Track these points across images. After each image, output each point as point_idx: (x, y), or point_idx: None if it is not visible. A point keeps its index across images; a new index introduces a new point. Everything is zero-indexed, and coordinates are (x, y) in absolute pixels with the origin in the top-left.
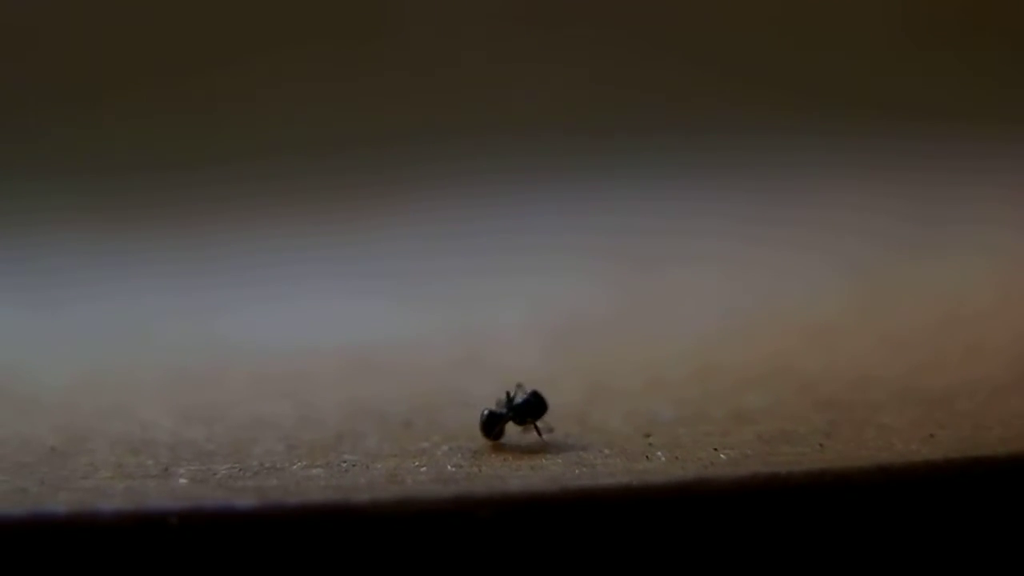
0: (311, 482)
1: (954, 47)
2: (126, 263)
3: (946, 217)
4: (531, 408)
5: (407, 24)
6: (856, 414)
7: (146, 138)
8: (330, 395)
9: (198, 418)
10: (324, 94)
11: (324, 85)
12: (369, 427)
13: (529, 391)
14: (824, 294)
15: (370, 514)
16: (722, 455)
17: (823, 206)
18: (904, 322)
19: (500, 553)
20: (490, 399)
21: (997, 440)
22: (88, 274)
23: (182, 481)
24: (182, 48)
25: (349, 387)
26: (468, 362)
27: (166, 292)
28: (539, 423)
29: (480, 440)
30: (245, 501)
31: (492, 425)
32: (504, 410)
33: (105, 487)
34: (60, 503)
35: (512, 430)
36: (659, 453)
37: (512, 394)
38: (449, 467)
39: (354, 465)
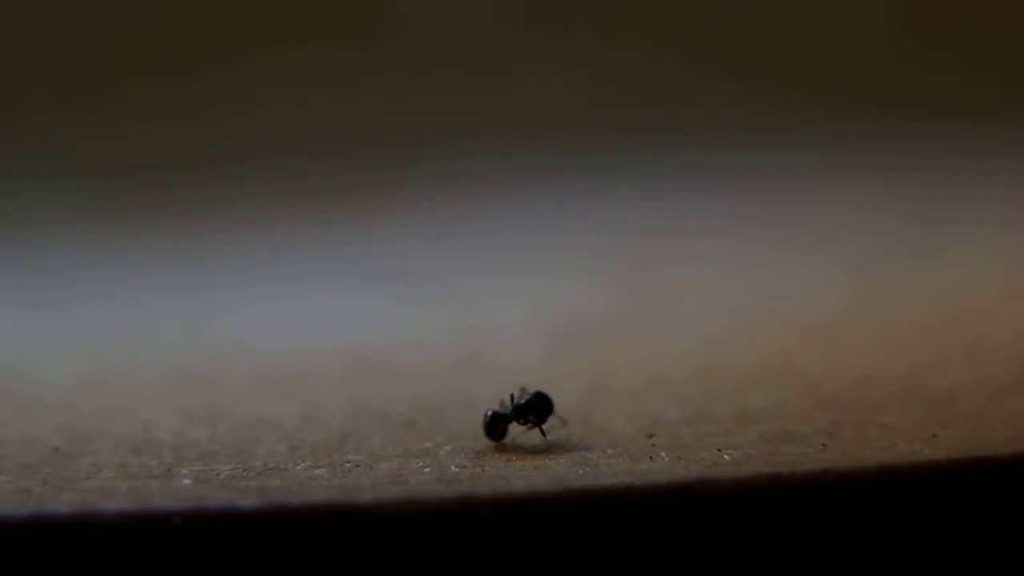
0: (314, 482)
1: (954, 47)
2: (127, 263)
3: (947, 217)
4: (534, 407)
5: (407, 24)
6: (859, 414)
7: (147, 138)
8: (332, 395)
9: (201, 418)
10: (324, 94)
11: (324, 85)
12: (372, 427)
13: (533, 391)
14: (825, 294)
15: (373, 514)
16: (725, 455)
17: (824, 206)
18: (905, 322)
19: (503, 553)
20: (492, 399)
21: (1000, 440)
22: (89, 274)
23: (185, 481)
24: (182, 48)
25: (351, 387)
26: (469, 362)
27: (168, 292)
28: (553, 418)
29: (483, 440)
30: (248, 501)
31: (495, 425)
32: (506, 410)
33: (108, 487)
34: (63, 503)
35: (516, 431)
36: (662, 453)
37: (516, 397)
38: (452, 467)
39: (357, 465)
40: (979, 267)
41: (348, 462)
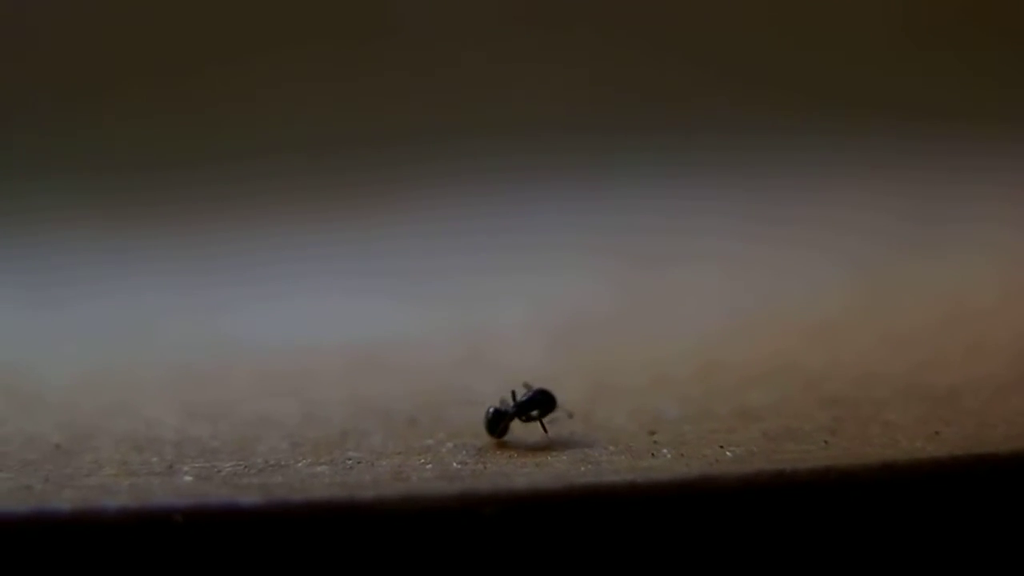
0: (316, 479)
1: (954, 47)
2: (129, 261)
3: (947, 215)
4: (536, 404)
5: (407, 23)
6: (861, 411)
7: (148, 137)
8: (334, 393)
9: (202, 415)
10: (326, 93)
11: (326, 84)
12: (373, 425)
13: (535, 388)
14: (827, 292)
15: (375, 511)
16: (727, 452)
17: (825, 204)
18: (907, 320)
19: (505, 550)
20: (493, 397)
21: (1002, 437)
22: (91, 272)
23: (186, 478)
24: (183, 47)
25: (353, 385)
26: (471, 360)
27: (169, 290)
28: (558, 411)
29: (485, 437)
30: (249, 498)
31: (497, 422)
32: (507, 407)
33: (109, 484)
34: (64, 500)
35: (519, 429)
36: (664, 450)
37: (519, 395)
38: (454, 464)
39: (359, 462)
40: (980, 265)
41: (349, 459)
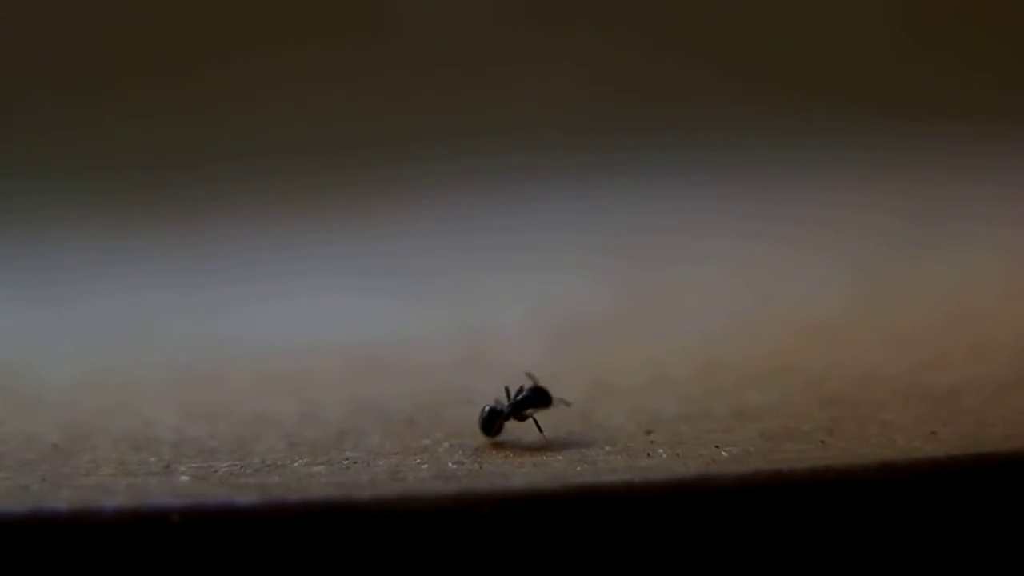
0: (313, 479)
1: (955, 46)
2: (128, 261)
3: (948, 215)
4: (531, 402)
5: (407, 23)
6: (859, 411)
7: (148, 136)
8: (332, 393)
9: (200, 415)
10: (326, 92)
11: (326, 83)
12: (371, 425)
13: (529, 387)
14: (827, 292)
15: (372, 511)
16: (724, 452)
17: (825, 204)
18: (907, 320)
19: (502, 550)
20: (492, 397)
21: (1000, 437)
22: (90, 271)
23: (184, 478)
24: (183, 46)
25: (351, 385)
26: (470, 360)
27: (169, 290)
28: (556, 403)
29: (482, 437)
30: (247, 498)
31: (492, 422)
32: (502, 407)
33: (107, 484)
34: (62, 500)
35: (516, 428)
36: (661, 450)
37: (516, 390)
38: (451, 464)
39: (356, 462)
40: (980, 265)
41: (347, 459)
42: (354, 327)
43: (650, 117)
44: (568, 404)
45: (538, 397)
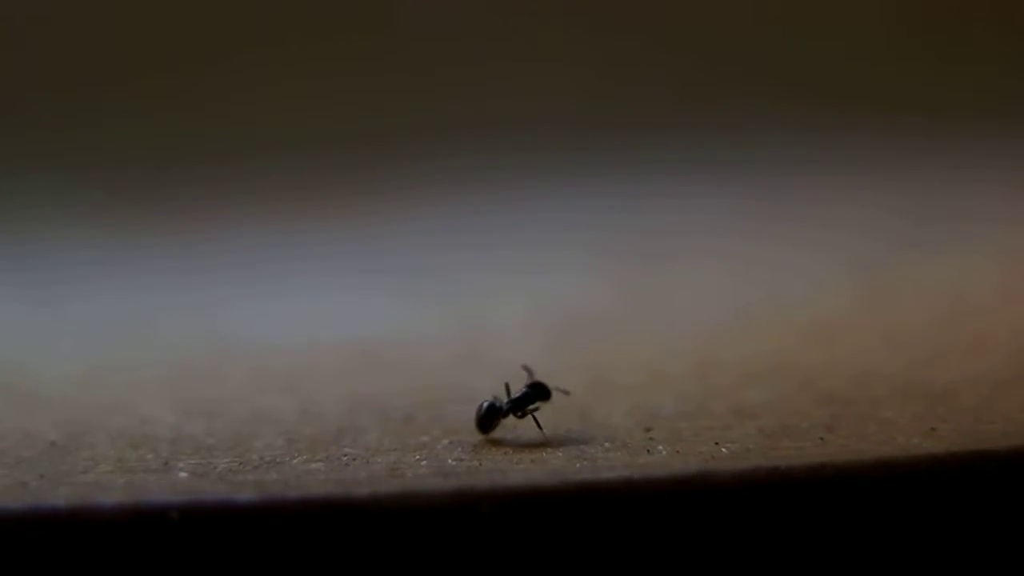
0: (311, 476)
1: (955, 43)
2: (127, 258)
3: (947, 213)
4: (530, 399)
5: (407, 19)
6: (858, 409)
7: (146, 134)
8: (330, 390)
9: (198, 412)
10: (325, 90)
11: (325, 81)
12: (370, 422)
13: (527, 383)
14: (826, 289)
15: (370, 508)
16: (723, 449)
17: (825, 202)
18: (906, 317)
19: (501, 547)
20: (490, 395)
21: (999, 434)
22: (88, 269)
23: (182, 475)
24: (183, 44)
25: (350, 382)
26: (469, 357)
27: (167, 287)
28: (555, 391)
29: (479, 434)
30: (245, 495)
31: (490, 419)
32: (500, 404)
33: (105, 481)
34: (60, 497)
35: (516, 424)
36: (660, 447)
37: (520, 381)
38: (450, 461)
39: (354, 459)
40: (980, 263)
41: (345, 456)
42: (353, 324)
43: (650, 115)
44: (567, 393)
45: (536, 392)
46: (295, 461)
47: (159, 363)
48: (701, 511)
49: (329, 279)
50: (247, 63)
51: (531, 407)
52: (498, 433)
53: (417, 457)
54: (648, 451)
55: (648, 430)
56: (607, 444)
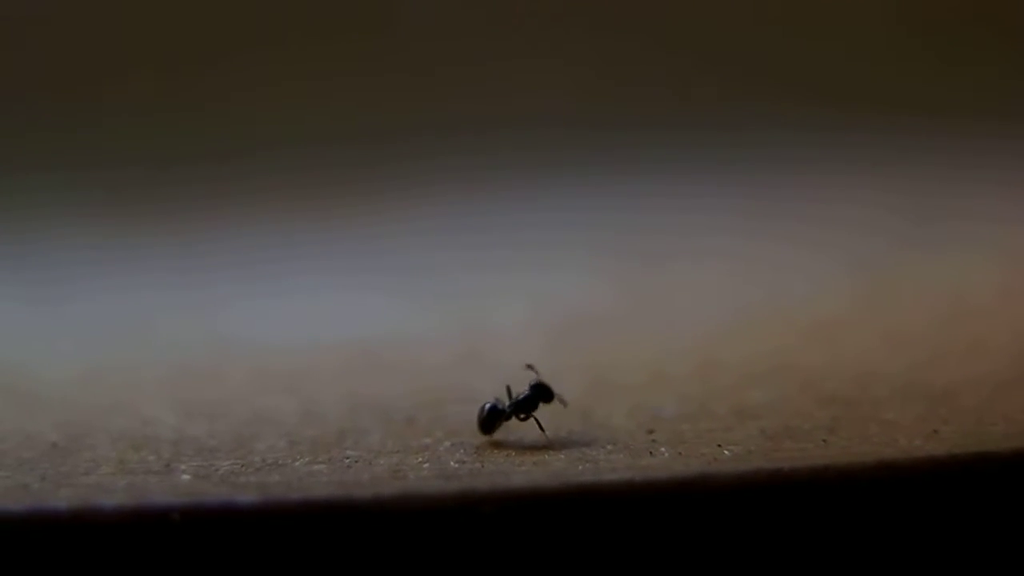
0: (313, 478)
1: (955, 43)
2: (127, 258)
3: (947, 213)
4: (533, 400)
5: (407, 19)
6: (859, 410)
7: (147, 134)
8: (331, 391)
9: (200, 414)
10: (325, 89)
11: (325, 80)
12: (371, 423)
13: (529, 385)
14: (827, 290)
15: (373, 510)
16: (725, 451)
17: (826, 202)
18: (907, 318)
19: (504, 549)
20: (491, 396)
21: (1001, 436)
22: (88, 270)
23: (184, 477)
24: (183, 43)
25: (350, 383)
26: (470, 358)
27: (168, 288)
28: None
29: (482, 436)
30: (247, 497)
31: (492, 421)
32: (502, 406)
33: (106, 483)
34: (61, 499)
35: (517, 427)
36: (662, 449)
37: (524, 381)
38: (452, 463)
39: (356, 461)
40: (980, 263)
41: (347, 458)
42: (353, 325)
43: (650, 114)
44: (565, 404)
45: (539, 394)
46: (297, 463)
47: (160, 364)
48: (703, 513)
49: (329, 279)
50: (247, 63)
51: (530, 407)
52: (500, 435)
53: (419, 459)
54: (650, 453)
55: (650, 432)
56: (609, 446)
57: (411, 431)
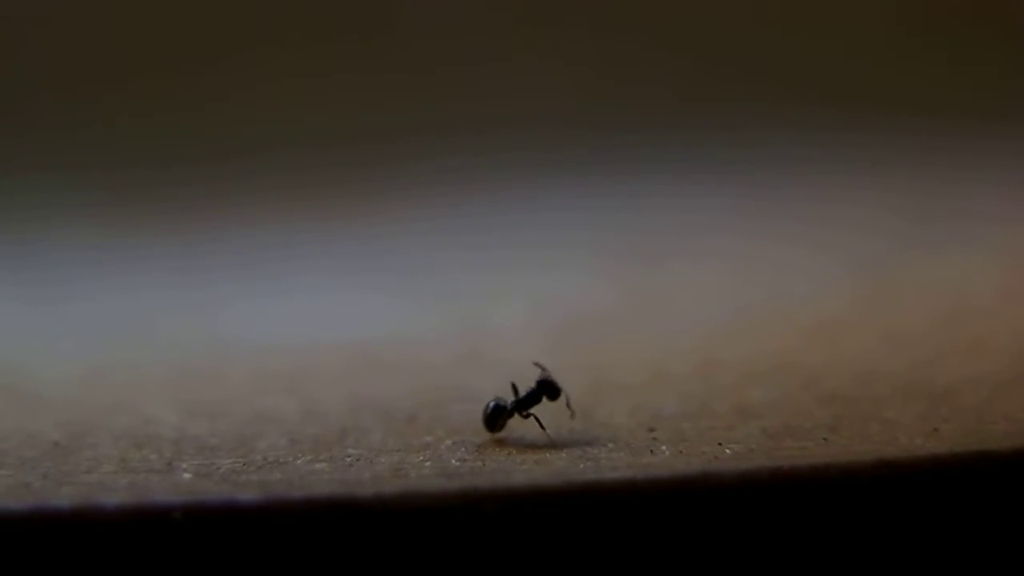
0: (315, 476)
1: (956, 43)
2: (129, 258)
3: (948, 213)
4: (538, 397)
5: (408, 19)
6: (860, 409)
7: (148, 133)
8: (333, 390)
9: (201, 413)
10: (325, 89)
11: (325, 80)
12: (372, 422)
13: (536, 380)
14: (828, 289)
15: (374, 508)
16: (726, 449)
17: (826, 202)
18: (908, 317)
19: (505, 547)
20: (492, 395)
21: (1002, 434)
22: (90, 269)
23: (185, 475)
24: (183, 43)
25: (352, 382)
26: (471, 358)
27: (169, 287)
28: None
29: (484, 435)
30: (249, 495)
31: (496, 418)
32: (506, 403)
33: (108, 481)
34: (63, 497)
35: (518, 426)
36: (663, 447)
37: (531, 378)
38: (453, 461)
39: (358, 459)
40: (981, 263)
41: (349, 456)
42: (354, 325)
43: (650, 114)
44: (572, 414)
45: (543, 390)
46: (299, 461)
47: (160, 363)
48: (705, 512)
49: (330, 279)
50: (247, 63)
51: (537, 406)
52: (502, 433)
53: (421, 457)
54: (651, 451)
55: (651, 430)
56: (610, 444)
57: (412, 430)
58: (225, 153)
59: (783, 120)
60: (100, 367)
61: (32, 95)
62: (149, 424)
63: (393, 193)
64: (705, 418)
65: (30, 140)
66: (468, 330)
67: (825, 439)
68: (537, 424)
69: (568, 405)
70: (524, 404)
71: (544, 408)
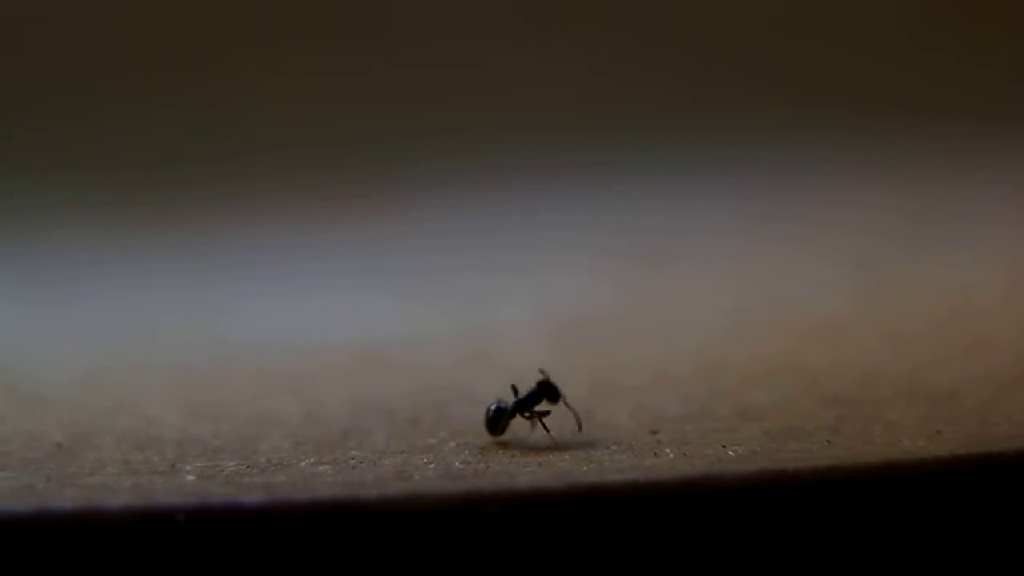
0: (319, 478)
1: (958, 44)
2: (131, 260)
3: (951, 214)
4: (538, 398)
5: (411, 20)
6: (863, 410)
7: (150, 134)
8: (336, 392)
9: (204, 415)
10: (329, 89)
11: (329, 80)
12: (376, 424)
13: (536, 383)
14: (830, 291)
15: (378, 510)
16: (729, 451)
17: (829, 203)
18: (910, 319)
19: (509, 549)
20: (495, 397)
21: (1004, 436)
22: (92, 271)
23: (189, 477)
24: (184, 43)
25: (355, 384)
26: (474, 359)
27: (172, 289)
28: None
29: (487, 437)
30: (252, 497)
31: (497, 420)
32: (507, 405)
33: (112, 483)
34: (66, 499)
35: (522, 428)
36: (667, 449)
37: (529, 385)
38: (457, 463)
39: (362, 462)
40: (983, 264)
41: (352, 458)
42: (357, 326)
43: (652, 116)
44: (577, 419)
45: (543, 392)
46: (302, 463)
47: (163, 364)
48: (708, 514)
49: (333, 280)
50: (247, 63)
51: (539, 408)
52: (506, 435)
53: (424, 459)
54: (655, 454)
55: (654, 432)
56: (613, 447)
57: (416, 432)
58: (228, 154)
59: (785, 121)
60: (102, 368)
61: (32, 95)
62: (152, 426)
63: (395, 194)
64: (708, 420)
65: (30, 140)
66: (470, 331)
67: (828, 441)
68: (541, 426)
69: (576, 419)
70: (524, 405)
71: (550, 410)
